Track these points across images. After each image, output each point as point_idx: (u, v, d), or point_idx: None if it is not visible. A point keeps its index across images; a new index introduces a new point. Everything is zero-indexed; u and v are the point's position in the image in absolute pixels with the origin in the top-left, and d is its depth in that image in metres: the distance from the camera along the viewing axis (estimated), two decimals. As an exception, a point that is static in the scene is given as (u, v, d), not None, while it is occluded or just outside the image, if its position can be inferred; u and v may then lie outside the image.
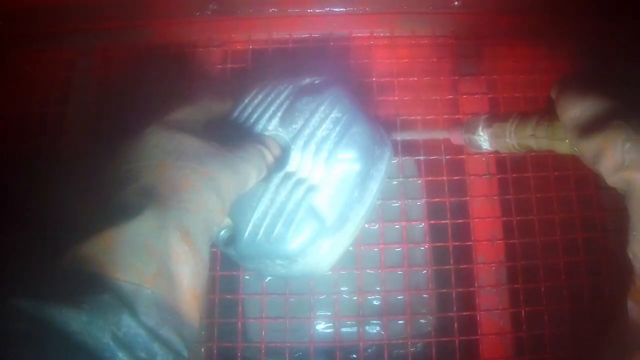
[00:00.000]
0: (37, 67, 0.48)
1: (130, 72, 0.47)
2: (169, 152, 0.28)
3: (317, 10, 0.47)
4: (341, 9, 0.47)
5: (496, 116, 0.34)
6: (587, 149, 0.25)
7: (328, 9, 0.47)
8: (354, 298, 0.42)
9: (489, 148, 0.35)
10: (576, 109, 0.26)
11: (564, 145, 0.29)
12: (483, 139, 0.35)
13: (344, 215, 0.33)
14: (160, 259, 0.24)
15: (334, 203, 0.33)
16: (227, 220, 0.33)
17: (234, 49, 0.47)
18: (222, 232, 0.33)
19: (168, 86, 0.45)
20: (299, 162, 0.33)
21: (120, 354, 0.22)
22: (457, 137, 0.37)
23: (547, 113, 0.30)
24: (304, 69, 0.45)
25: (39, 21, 0.48)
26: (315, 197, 0.32)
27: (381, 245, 0.41)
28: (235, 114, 0.35)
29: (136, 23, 0.48)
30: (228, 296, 0.41)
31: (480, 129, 0.34)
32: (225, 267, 0.41)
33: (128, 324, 0.22)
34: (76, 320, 0.21)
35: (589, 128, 0.25)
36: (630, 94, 0.25)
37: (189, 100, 0.33)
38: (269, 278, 0.42)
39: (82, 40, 0.48)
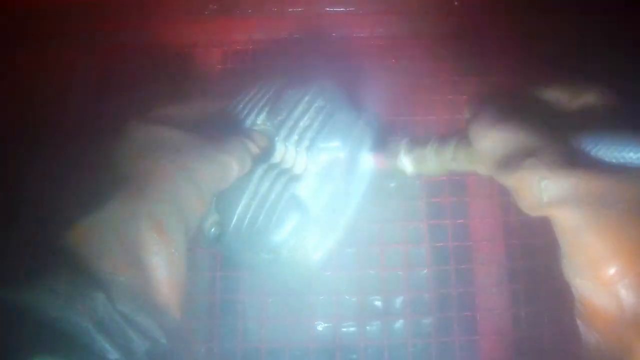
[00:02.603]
0: (37, 67, 0.48)
1: (130, 72, 0.47)
2: (146, 144, 0.28)
3: (317, 10, 0.47)
4: (341, 9, 0.47)
5: (416, 140, 0.32)
6: (503, 183, 0.24)
7: (328, 9, 0.47)
8: (354, 299, 0.42)
9: (412, 172, 0.33)
10: (487, 143, 0.25)
11: (484, 168, 0.27)
12: (406, 164, 0.33)
13: (330, 206, 0.33)
14: (131, 249, 0.25)
15: (318, 193, 0.32)
16: (216, 217, 0.33)
17: (234, 49, 0.47)
18: (212, 230, 0.33)
19: (168, 86, 0.45)
20: (284, 153, 0.33)
21: (100, 338, 0.22)
22: (381, 162, 0.35)
23: (465, 136, 0.29)
24: (303, 68, 0.45)
25: (39, 21, 0.48)
26: (298, 186, 0.32)
27: (381, 245, 0.41)
28: (227, 111, 0.35)
29: (136, 23, 0.48)
30: (228, 296, 0.41)
31: (402, 154, 0.33)
32: (225, 267, 0.41)
33: (104, 309, 0.22)
34: (53, 306, 0.21)
35: (502, 165, 0.24)
36: (543, 123, 0.24)
37: (181, 100, 0.33)
38: (269, 278, 0.42)
39: (82, 40, 0.48)
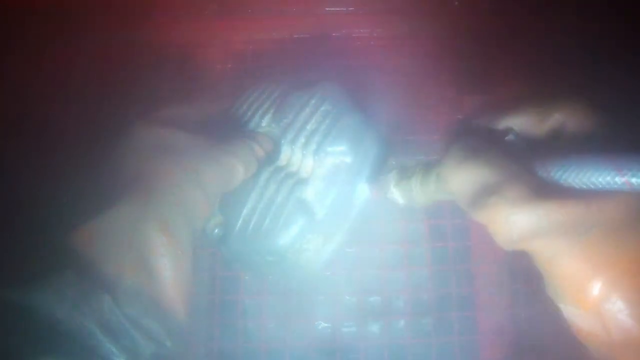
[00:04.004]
0: (37, 67, 0.48)
1: (130, 72, 0.47)
2: (153, 146, 0.28)
3: (317, 10, 0.47)
4: (341, 9, 0.47)
5: (402, 173, 0.32)
6: (478, 221, 0.24)
7: (328, 9, 0.47)
8: (354, 299, 0.42)
9: (404, 203, 0.33)
10: (456, 183, 0.25)
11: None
12: (396, 196, 0.32)
13: (335, 210, 0.33)
14: (138, 251, 0.25)
15: (324, 197, 0.32)
16: (219, 218, 0.33)
17: (235, 49, 0.47)
18: (216, 231, 0.33)
19: (168, 86, 0.45)
20: (290, 156, 0.33)
21: (106, 341, 0.22)
22: (376, 193, 0.35)
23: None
24: (304, 68, 0.45)
25: (39, 21, 0.48)
26: (304, 190, 0.32)
27: (381, 245, 0.41)
28: (231, 113, 0.35)
29: (136, 23, 0.48)
30: (228, 296, 0.41)
31: (391, 186, 0.32)
32: (225, 267, 0.42)
33: (110, 312, 0.22)
34: (60, 308, 0.21)
35: (471, 204, 0.24)
36: (510, 154, 0.23)
37: (184, 100, 0.33)
38: (269, 278, 0.42)
39: (82, 40, 0.48)
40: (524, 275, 0.40)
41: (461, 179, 0.24)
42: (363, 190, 0.35)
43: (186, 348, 0.40)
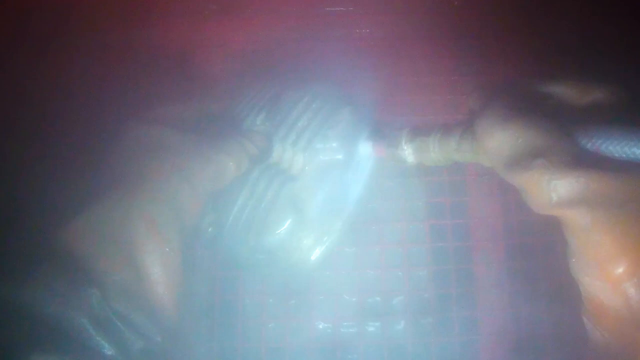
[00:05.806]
0: (38, 67, 0.48)
1: (130, 73, 0.47)
2: (142, 144, 0.28)
3: (317, 10, 0.47)
4: (341, 9, 0.47)
5: (418, 129, 0.32)
6: (511, 181, 0.24)
7: (328, 8, 0.47)
8: (354, 299, 0.42)
9: (413, 161, 0.33)
10: (494, 141, 0.24)
11: (489, 162, 0.27)
12: (407, 153, 0.32)
13: (327, 209, 0.33)
14: (125, 247, 0.25)
15: (314, 194, 0.32)
16: (213, 216, 0.33)
17: (234, 49, 0.47)
18: (210, 229, 0.33)
19: (167, 86, 0.45)
20: (282, 153, 0.33)
21: (96, 335, 0.22)
22: (380, 150, 0.34)
23: (470, 125, 0.29)
24: (303, 68, 0.45)
25: (39, 21, 0.48)
26: (294, 187, 0.32)
27: (381, 245, 0.41)
28: (227, 112, 0.35)
29: (137, 23, 0.48)
30: (228, 296, 0.41)
31: (403, 142, 0.32)
32: (225, 267, 0.41)
33: (99, 306, 0.23)
34: (50, 302, 0.22)
35: (510, 164, 0.24)
36: (551, 119, 0.23)
37: (180, 99, 0.33)
38: (267, 278, 0.42)
39: (82, 40, 0.48)
40: (524, 275, 0.40)
41: (502, 137, 0.24)
42: (356, 188, 0.34)
43: (179, 345, 0.40)
